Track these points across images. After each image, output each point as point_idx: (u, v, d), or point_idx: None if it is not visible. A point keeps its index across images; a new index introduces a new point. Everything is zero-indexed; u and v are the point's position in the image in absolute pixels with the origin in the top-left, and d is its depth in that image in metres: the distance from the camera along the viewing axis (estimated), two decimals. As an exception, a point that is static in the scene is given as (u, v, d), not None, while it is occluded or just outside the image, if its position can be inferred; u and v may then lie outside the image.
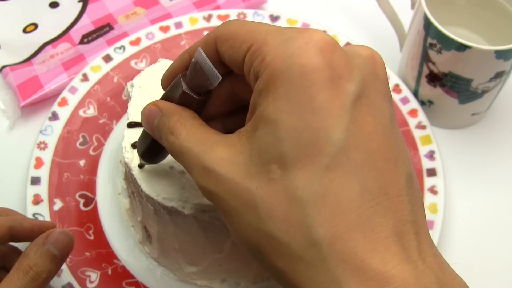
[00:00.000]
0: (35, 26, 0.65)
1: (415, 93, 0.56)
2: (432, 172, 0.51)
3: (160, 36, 0.60)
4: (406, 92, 0.55)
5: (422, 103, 0.56)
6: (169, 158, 0.41)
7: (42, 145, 0.52)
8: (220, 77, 0.29)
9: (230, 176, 0.26)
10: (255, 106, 0.27)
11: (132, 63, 0.58)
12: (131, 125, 0.43)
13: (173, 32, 0.60)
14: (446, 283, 0.25)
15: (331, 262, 0.24)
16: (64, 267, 0.46)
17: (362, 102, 0.26)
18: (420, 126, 0.54)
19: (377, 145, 0.26)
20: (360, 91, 0.26)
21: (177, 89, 0.31)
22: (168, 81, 0.33)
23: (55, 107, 0.55)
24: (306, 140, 0.25)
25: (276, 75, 0.26)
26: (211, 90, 0.31)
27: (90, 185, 0.52)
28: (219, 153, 0.27)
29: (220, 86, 0.30)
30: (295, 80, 0.25)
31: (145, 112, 0.32)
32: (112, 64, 0.58)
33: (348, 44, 0.58)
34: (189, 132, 0.29)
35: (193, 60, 0.30)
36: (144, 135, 0.36)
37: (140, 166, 0.41)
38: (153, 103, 0.32)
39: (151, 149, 0.36)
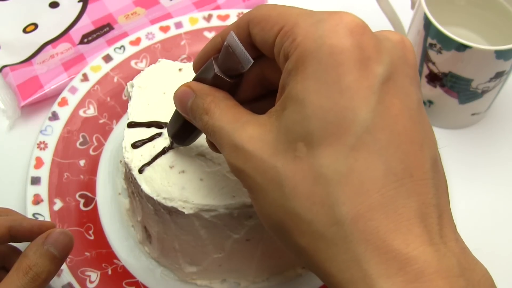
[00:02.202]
0: (35, 26, 0.65)
1: (415, 93, 0.56)
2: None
3: (160, 36, 0.60)
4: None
5: (422, 103, 0.56)
6: (169, 158, 0.41)
7: (42, 145, 0.52)
8: (252, 61, 0.30)
9: (258, 153, 0.27)
10: (284, 86, 0.27)
11: (132, 63, 0.58)
12: (131, 125, 0.43)
13: (173, 32, 0.60)
14: (468, 267, 0.25)
15: (352, 240, 0.24)
16: (64, 267, 0.46)
17: (390, 85, 0.26)
18: (420, 126, 0.54)
19: (403, 127, 0.26)
20: (388, 73, 0.26)
21: (209, 71, 0.32)
22: (200, 64, 0.33)
23: (55, 107, 0.55)
24: (332, 119, 0.25)
25: (306, 55, 0.26)
26: (242, 74, 0.31)
27: (90, 185, 0.52)
28: (249, 131, 0.28)
29: (251, 69, 0.31)
30: (324, 60, 0.25)
31: (178, 94, 0.33)
32: (112, 64, 0.58)
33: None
34: (223, 111, 0.30)
35: (225, 43, 0.30)
36: (175, 116, 0.36)
37: (140, 171, 0.41)
38: (186, 85, 0.32)
39: (183, 130, 0.36)
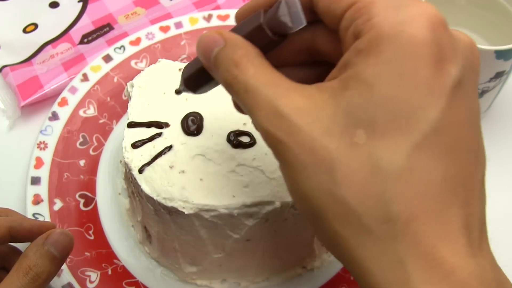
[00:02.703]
0: (35, 26, 0.65)
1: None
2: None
3: (160, 36, 0.60)
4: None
5: (422, 103, 0.56)
6: (169, 158, 0.41)
7: (42, 145, 0.52)
8: (305, 23, 0.27)
9: (307, 128, 0.25)
10: (347, 65, 0.25)
11: (132, 63, 0.58)
12: (131, 125, 0.43)
13: (173, 32, 0.60)
14: (503, 282, 0.25)
15: (402, 242, 0.23)
16: (64, 267, 0.46)
17: (460, 89, 0.25)
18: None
19: (465, 135, 0.25)
20: (460, 76, 0.25)
21: (252, 22, 0.29)
22: (244, 15, 0.31)
23: (55, 107, 0.55)
24: (401, 112, 0.24)
25: (382, 39, 0.24)
26: (286, 35, 0.29)
27: (90, 185, 0.52)
28: (295, 101, 0.25)
29: (299, 34, 0.29)
30: (402, 48, 0.24)
31: (204, 39, 0.30)
32: (112, 64, 0.58)
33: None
34: (258, 70, 0.27)
35: None
36: (195, 61, 0.33)
37: (140, 171, 0.41)
38: (217, 31, 0.29)
39: (198, 76, 0.33)
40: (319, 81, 0.27)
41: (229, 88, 0.28)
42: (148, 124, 0.43)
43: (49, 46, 0.62)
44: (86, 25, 0.64)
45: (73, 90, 0.56)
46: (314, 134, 0.24)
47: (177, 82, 0.45)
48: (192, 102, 0.44)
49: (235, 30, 0.30)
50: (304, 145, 0.25)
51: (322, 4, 0.27)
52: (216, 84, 0.33)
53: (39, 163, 0.51)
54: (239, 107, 0.31)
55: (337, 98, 0.25)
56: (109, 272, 0.47)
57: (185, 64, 0.47)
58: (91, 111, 0.56)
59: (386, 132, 0.24)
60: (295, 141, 0.25)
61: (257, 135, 0.42)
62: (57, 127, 0.54)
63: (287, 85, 0.26)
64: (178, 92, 0.40)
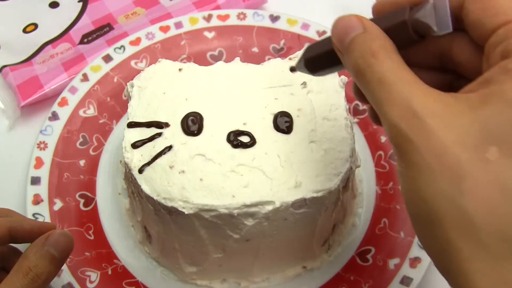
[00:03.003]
0: (35, 26, 0.65)
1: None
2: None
3: (160, 36, 0.60)
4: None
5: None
6: (169, 158, 0.41)
7: (42, 145, 0.52)
8: (451, 29, 0.27)
9: (440, 134, 0.25)
10: (490, 81, 0.25)
11: (132, 63, 0.58)
12: (131, 125, 0.43)
13: (173, 32, 0.60)
14: None
15: None
16: (64, 267, 0.46)
17: None
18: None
19: None
20: None
21: (396, 16, 0.29)
22: (384, 7, 0.31)
23: (55, 107, 0.55)
24: None
25: None
26: (425, 36, 0.29)
27: (90, 185, 0.52)
28: (432, 105, 0.25)
29: (438, 38, 0.29)
30: None
31: (343, 21, 0.29)
32: (112, 64, 0.58)
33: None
34: (395, 65, 0.27)
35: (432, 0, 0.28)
36: (323, 42, 0.33)
37: (140, 171, 0.41)
38: (357, 16, 0.29)
39: (323, 58, 0.33)
40: (441, 88, 0.27)
41: (360, 76, 0.28)
42: (148, 124, 0.43)
43: (49, 46, 0.62)
44: (86, 25, 0.64)
45: (73, 90, 0.56)
46: (447, 141, 0.25)
47: (177, 82, 0.45)
48: (192, 102, 0.44)
49: (373, 21, 0.29)
50: (434, 150, 0.25)
51: (473, 15, 0.27)
52: (337, 70, 0.33)
53: (39, 163, 0.51)
54: (360, 95, 0.31)
55: (476, 111, 0.25)
56: (109, 272, 0.47)
57: (186, 64, 0.47)
58: (91, 111, 0.56)
59: None
60: (425, 143, 0.25)
61: (257, 135, 0.42)
62: (57, 127, 0.54)
63: (423, 87, 0.26)
64: (292, 69, 0.39)
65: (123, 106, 0.56)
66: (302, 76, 0.45)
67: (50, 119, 0.54)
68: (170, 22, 0.61)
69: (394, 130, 0.26)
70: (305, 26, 0.60)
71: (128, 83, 0.47)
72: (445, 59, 0.31)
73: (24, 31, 0.64)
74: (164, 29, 0.60)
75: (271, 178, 0.40)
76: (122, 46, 0.59)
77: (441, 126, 0.25)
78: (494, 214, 0.24)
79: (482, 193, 0.24)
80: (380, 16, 0.30)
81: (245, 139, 0.42)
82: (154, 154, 0.41)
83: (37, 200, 0.49)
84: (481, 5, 0.27)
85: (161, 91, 0.45)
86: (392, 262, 0.46)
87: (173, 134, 0.42)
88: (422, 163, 0.25)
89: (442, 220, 0.25)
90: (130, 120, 0.43)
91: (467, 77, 0.28)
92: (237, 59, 0.48)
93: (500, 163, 0.24)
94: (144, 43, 0.59)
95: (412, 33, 0.28)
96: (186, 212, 0.39)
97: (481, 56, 0.28)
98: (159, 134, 0.42)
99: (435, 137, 0.25)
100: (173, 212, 0.40)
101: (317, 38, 0.59)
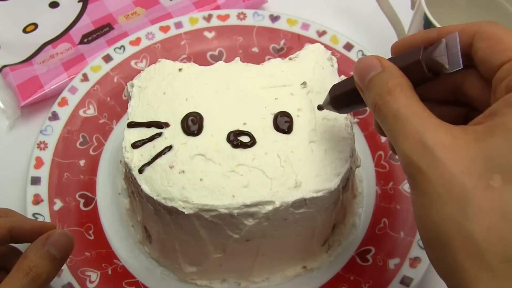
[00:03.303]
0: (35, 26, 0.65)
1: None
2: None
3: (160, 36, 0.60)
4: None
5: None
6: (169, 158, 0.41)
7: (42, 145, 0.52)
8: (462, 66, 0.29)
9: (448, 164, 0.27)
10: (495, 114, 0.28)
11: (132, 63, 0.58)
12: (131, 125, 0.43)
13: (173, 32, 0.60)
14: None
15: None
16: (64, 267, 0.46)
17: None
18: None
19: None
20: None
21: (411, 56, 0.31)
22: (401, 47, 0.33)
23: (55, 107, 0.55)
24: None
25: None
26: (439, 74, 0.31)
27: (90, 185, 0.52)
28: (441, 137, 0.28)
29: (451, 74, 0.31)
30: None
31: (364, 61, 0.32)
32: (112, 64, 0.58)
33: (348, 44, 0.58)
34: (409, 102, 0.29)
35: (444, 39, 0.30)
36: (346, 81, 0.36)
37: (140, 171, 0.41)
38: (376, 57, 0.32)
39: (347, 96, 0.36)
40: (457, 120, 0.29)
41: (378, 111, 0.31)
42: (148, 124, 0.43)
43: (49, 46, 0.62)
44: (86, 25, 0.64)
45: (73, 90, 0.56)
46: (454, 171, 0.27)
47: (177, 82, 0.45)
48: (192, 102, 0.44)
49: (391, 60, 0.32)
50: (443, 178, 0.27)
51: (481, 52, 0.30)
52: (360, 107, 0.36)
53: (39, 163, 0.51)
54: (380, 129, 0.33)
55: (481, 142, 0.27)
56: (109, 272, 0.47)
57: (186, 64, 0.47)
58: (91, 111, 0.56)
59: None
60: (435, 173, 0.27)
61: (257, 135, 0.42)
62: (57, 127, 0.54)
63: (434, 120, 0.28)
64: (319, 108, 0.42)
65: (123, 106, 0.56)
66: (302, 76, 0.45)
67: (50, 119, 0.54)
68: (170, 22, 0.61)
69: (406, 161, 0.28)
70: (305, 26, 0.60)
71: (128, 83, 0.47)
72: (458, 94, 0.33)
73: (24, 31, 0.64)
74: (164, 29, 0.60)
75: (271, 178, 0.40)
76: (122, 46, 0.59)
77: (449, 157, 0.27)
78: (497, 237, 0.26)
79: (486, 218, 0.26)
80: (397, 55, 0.33)
81: (245, 139, 0.42)
82: (154, 154, 0.41)
83: (37, 200, 0.49)
84: (488, 43, 0.29)
85: (161, 91, 0.45)
86: (392, 262, 0.46)
87: (173, 134, 0.42)
88: (432, 191, 0.27)
89: (451, 243, 0.27)
90: (130, 120, 0.43)
91: (480, 110, 0.30)
92: (237, 59, 0.48)
93: (503, 189, 0.26)
94: (144, 43, 0.59)
95: (426, 72, 0.30)
96: (186, 212, 0.39)
97: (490, 90, 0.30)
98: (159, 134, 0.42)
99: (443, 167, 0.27)
100: (173, 212, 0.40)
101: (317, 38, 0.59)
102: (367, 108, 0.34)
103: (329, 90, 0.38)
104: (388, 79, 0.30)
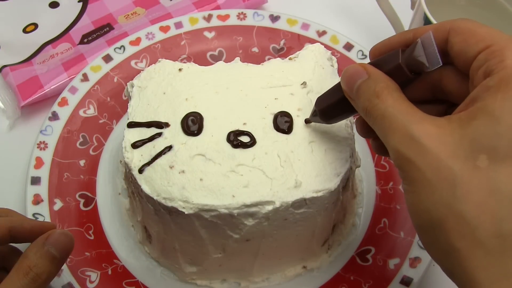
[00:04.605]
0: (35, 26, 0.65)
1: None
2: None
3: (160, 36, 0.60)
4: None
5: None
6: (169, 158, 0.41)
7: (42, 145, 0.52)
8: (441, 63, 0.31)
9: (435, 151, 0.28)
10: (475, 99, 0.29)
11: (132, 63, 0.58)
12: (131, 125, 0.43)
13: (173, 32, 0.60)
14: None
15: (510, 257, 0.26)
16: (64, 267, 0.46)
17: None
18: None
19: None
20: None
21: (391, 60, 0.32)
22: (379, 51, 0.35)
23: (55, 107, 0.55)
24: None
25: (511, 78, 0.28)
26: (421, 73, 0.32)
27: (90, 185, 0.52)
28: (427, 128, 0.29)
29: (430, 73, 0.32)
30: None
31: (350, 70, 0.34)
32: (112, 64, 0.58)
33: (348, 44, 0.58)
34: (396, 101, 0.31)
35: (419, 39, 0.31)
36: (332, 92, 0.37)
37: (140, 171, 0.41)
38: (361, 65, 0.33)
39: (334, 107, 0.37)
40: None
41: (368, 114, 0.32)
42: (148, 124, 0.43)
43: (49, 46, 0.62)
44: (86, 25, 0.64)
45: (73, 90, 0.56)
46: (441, 156, 0.28)
47: (177, 82, 0.45)
48: (192, 102, 0.44)
49: (373, 65, 0.33)
50: (430, 165, 0.28)
51: (457, 46, 0.31)
52: (349, 116, 0.37)
53: (39, 163, 0.51)
54: (362, 131, 0.36)
55: (464, 126, 0.28)
56: (109, 272, 0.47)
57: (186, 64, 0.47)
58: (91, 111, 0.56)
59: (507, 158, 0.27)
60: (423, 160, 0.28)
61: (257, 135, 0.42)
62: (57, 127, 0.54)
63: (420, 115, 0.30)
64: (307, 121, 0.42)
65: (123, 106, 0.56)
66: (302, 76, 0.45)
67: (50, 119, 0.54)
68: (170, 22, 0.61)
69: (395, 154, 0.30)
70: (305, 26, 0.60)
71: (128, 83, 0.47)
72: (437, 91, 0.34)
73: (24, 31, 0.64)
74: (164, 29, 0.60)
75: (271, 178, 0.40)
76: (122, 46, 0.59)
77: (436, 144, 0.28)
78: (487, 214, 0.27)
79: (475, 196, 0.27)
80: (377, 59, 0.34)
81: (245, 139, 0.42)
82: (154, 154, 0.41)
83: (37, 200, 0.49)
84: (463, 36, 0.31)
85: (161, 91, 0.45)
86: (392, 262, 0.46)
87: (173, 134, 0.42)
88: (421, 178, 0.28)
89: (442, 225, 0.28)
90: (130, 120, 0.43)
91: (458, 104, 0.31)
92: (237, 59, 0.48)
93: (489, 168, 0.27)
94: (144, 43, 0.59)
95: (408, 73, 0.32)
96: (186, 212, 0.39)
97: (467, 83, 0.31)
98: (159, 134, 0.42)
99: (430, 154, 0.28)
100: (173, 212, 0.40)
101: (317, 38, 0.59)
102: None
103: (314, 103, 0.39)
104: (375, 85, 0.32)
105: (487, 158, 0.27)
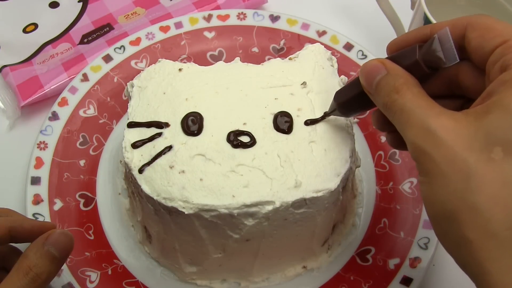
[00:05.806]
0: (35, 26, 0.65)
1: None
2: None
3: (160, 36, 0.60)
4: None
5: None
6: (170, 158, 0.41)
7: (42, 145, 0.52)
8: (458, 59, 0.31)
9: (450, 143, 0.28)
10: (491, 93, 0.29)
11: (132, 63, 0.58)
12: (131, 125, 0.43)
13: (173, 32, 0.60)
14: None
15: None
16: (64, 267, 0.46)
17: None
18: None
19: None
20: None
21: (408, 56, 0.33)
22: (397, 46, 0.35)
23: (55, 107, 0.55)
24: None
25: None
26: (438, 69, 0.32)
27: (90, 185, 0.52)
28: (444, 121, 0.29)
29: (447, 69, 0.33)
30: None
31: (368, 66, 0.34)
32: (112, 64, 0.58)
33: (348, 44, 0.58)
34: (415, 96, 0.31)
35: (436, 35, 0.31)
36: (351, 87, 0.38)
37: (140, 171, 0.41)
38: (379, 60, 0.34)
39: (353, 101, 0.38)
40: None
41: (387, 109, 0.33)
42: (148, 124, 0.43)
43: (49, 46, 0.62)
44: (86, 25, 0.64)
45: (73, 90, 0.56)
46: (456, 149, 0.28)
47: (177, 82, 0.45)
48: (192, 102, 0.44)
49: (392, 60, 0.33)
50: (446, 157, 0.28)
51: (474, 42, 0.31)
52: (369, 109, 0.37)
53: (39, 163, 0.51)
54: (379, 125, 0.37)
55: (480, 120, 0.29)
56: (109, 272, 0.47)
57: (186, 64, 0.47)
58: (91, 111, 0.56)
59: None
60: (438, 153, 0.29)
61: (257, 135, 0.42)
62: (57, 127, 0.54)
63: (438, 109, 0.30)
64: (326, 115, 0.42)
65: (123, 106, 0.56)
66: (302, 76, 0.45)
67: (50, 119, 0.54)
68: (170, 22, 0.61)
69: (412, 147, 0.30)
70: (305, 26, 0.60)
71: (128, 83, 0.47)
72: (453, 86, 0.35)
73: (24, 31, 0.64)
74: (164, 29, 0.60)
75: (271, 178, 0.40)
76: (122, 46, 0.59)
77: (452, 137, 0.29)
78: (500, 205, 0.27)
79: (488, 188, 0.27)
80: (394, 55, 0.34)
81: (245, 139, 0.42)
82: (154, 154, 0.41)
83: (37, 200, 0.49)
84: (480, 32, 0.31)
85: (161, 91, 0.45)
86: (392, 262, 0.46)
87: (173, 134, 0.42)
88: (436, 170, 0.29)
89: (456, 217, 0.28)
90: (130, 120, 0.43)
91: (475, 99, 0.31)
92: (237, 59, 0.48)
93: (504, 161, 0.27)
94: (144, 43, 0.59)
95: (425, 69, 0.32)
96: (186, 212, 0.39)
97: (483, 78, 0.31)
98: (159, 134, 0.42)
99: (446, 146, 0.28)
100: (173, 212, 0.40)
101: (317, 38, 0.59)
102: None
103: (333, 97, 0.39)
104: (394, 80, 0.32)
105: (502, 150, 0.27)
